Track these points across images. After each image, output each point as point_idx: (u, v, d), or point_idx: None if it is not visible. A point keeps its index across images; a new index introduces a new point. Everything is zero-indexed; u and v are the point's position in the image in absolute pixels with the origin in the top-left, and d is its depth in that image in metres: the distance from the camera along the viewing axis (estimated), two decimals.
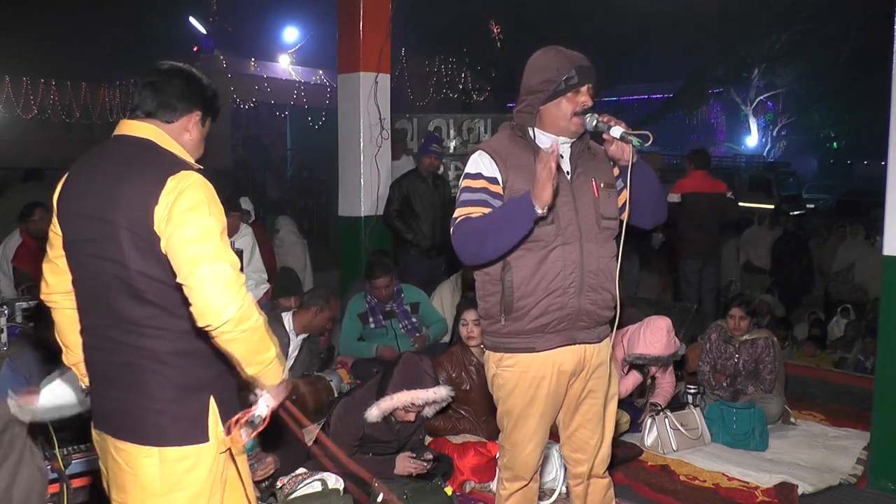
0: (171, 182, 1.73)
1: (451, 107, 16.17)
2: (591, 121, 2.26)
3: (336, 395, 4.20)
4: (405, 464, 3.27)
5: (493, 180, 2.27)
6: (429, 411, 3.38)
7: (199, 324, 1.69)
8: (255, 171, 18.98)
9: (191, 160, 1.90)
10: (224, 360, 1.85)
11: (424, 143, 6.11)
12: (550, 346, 2.31)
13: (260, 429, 1.82)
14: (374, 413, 3.20)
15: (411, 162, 6.56)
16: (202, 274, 1.66)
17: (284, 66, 17.99)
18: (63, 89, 17.17)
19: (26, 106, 16.83)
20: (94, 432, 1.93)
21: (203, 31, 17.22)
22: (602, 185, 2.34)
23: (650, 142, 2.21)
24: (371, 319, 4.82)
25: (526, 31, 13.56)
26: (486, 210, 2.23)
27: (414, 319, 4.87)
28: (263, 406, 1.82)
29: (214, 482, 1.85)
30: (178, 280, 1.69)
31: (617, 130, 2.22)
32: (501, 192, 2.27)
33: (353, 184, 5.97)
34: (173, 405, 1.79)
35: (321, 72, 17.81)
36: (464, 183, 2.31)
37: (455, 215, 2.28)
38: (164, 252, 1.71)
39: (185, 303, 1.71)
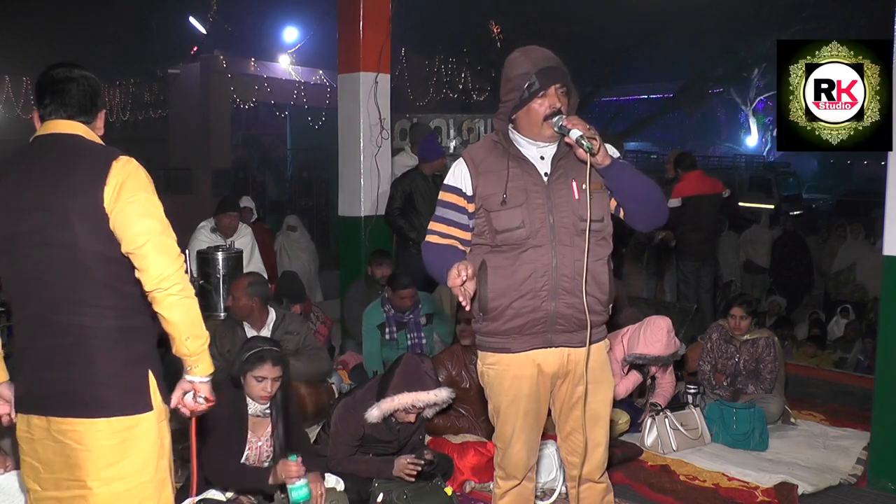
0: (117, 165, 1.93)
1: (451, 107, 16.16)
2: (558, 122, 2.22)
3: (337, 395, 4.20)
4: (403, 466, 3.25)
5: (456, 191, 2.33)
6: (429, 412, 3.39)
7: (149, 286, 1.88)
8: (255, 171, 18.96)
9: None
10: (155, 338, 2.04)
11: (432, 144, 6.06)
12: (526, 347, 2.31)
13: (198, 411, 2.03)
14: (374, 414, 3.20)
15: (410, 157, 6.55)
16: (155, 242, 1.89)
17: (284, 66, 17.97)
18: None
19: (26, 106, 16.78)
20: (27, 419, 2.00)
21: (203, 30, 17.19)
22: (584, 186, 2.26)
23: (596, 148, 2.14)
24: (387, 330, 4.73)
25: (526, 31, 13.55)
26: (446, 228, 2.33)
27: (423, 334, 4.80)
28: (201, 398, 2.01)
29: (161, 447, 2.03)
30: (129, 249, 1.89)
31: (574, 133, 2.17)
32: (464, 204, 2.32)
33: (353, 184, 5.97)
34: (118, 378, 1.96)
35: (321, 72, 17.78)
36: (440, 193, 2.40)
37: (428, 227, 2.39)
38: (112, 228, 1.90)
39: (129, 279, 1.91)
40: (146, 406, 1.98)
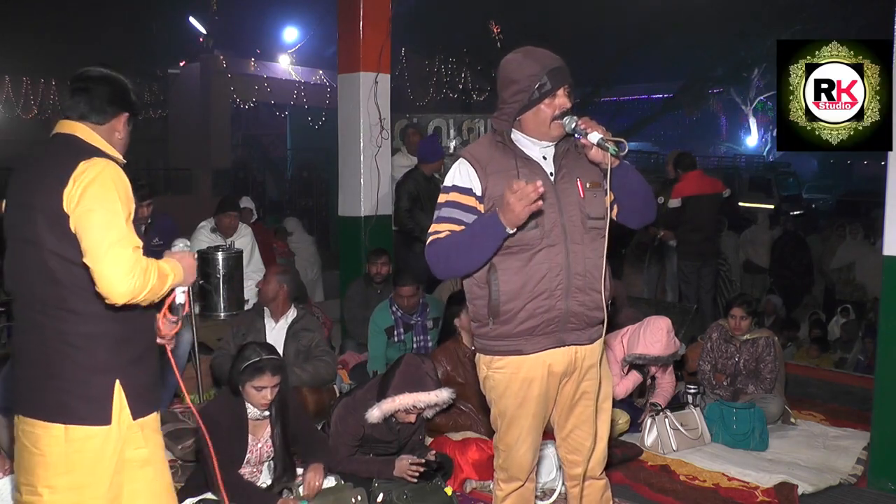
0: (82, 166, 1.86)
1: (451, 107, 16.15)
2: (570, 123, 2.21)
3: (337, 395, 4.21)
4: (406, 467, 3.26)
5: (466, 191, 2.27)
6: (429, 412, 3.39)
7: (107, 301, 1.83)
8: (255, 171, 18.97)
9: (116, 155, 2.02)
10: (137, 348, 1.98)
11: (433, 146, 6.07)
12: (539, 348, 2.30)
13: (184, 312, 2.04)
14: (375, 414, 3.20)
15: (405, 157, 6.57)
16: (104, 258, 1.79)
17: (284, 66, 17.98)
18: (63, 89, 17.18)
19: (26, 106, 16.79)
20: (15, 419, 2.00)
21: (203, 31, 17.20)
22: (588, 185, 2.29)
23: (626, 151, 2.15)
24: (396, 333, 4.72)
25: (526, 31, 13.56)
26: (456, 227, 2.25)
27: (428, 337, 4.80)
28: (179, 293, 2.03)
29: (119, 463, 1.93)
30: (84, 261, 1.82)
31: (594, 136, 2.16)
32: (475, 204, 2.27)
33: (353, 184, 5.97)
34: (80, 386, 1.90)
35: (321, 72, 17.79)
36: (440, 197, 2.34)
37: (430, 230, 2.31)
38: (73, 231, 1.84)
39: (93, 285, 1.83)
40: (104, 419, 1.91)
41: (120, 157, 2.02)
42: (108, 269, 1.78)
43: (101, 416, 1.91)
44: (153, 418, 2.03)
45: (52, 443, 1.89)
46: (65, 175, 1.84)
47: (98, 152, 1.93)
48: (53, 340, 1.90)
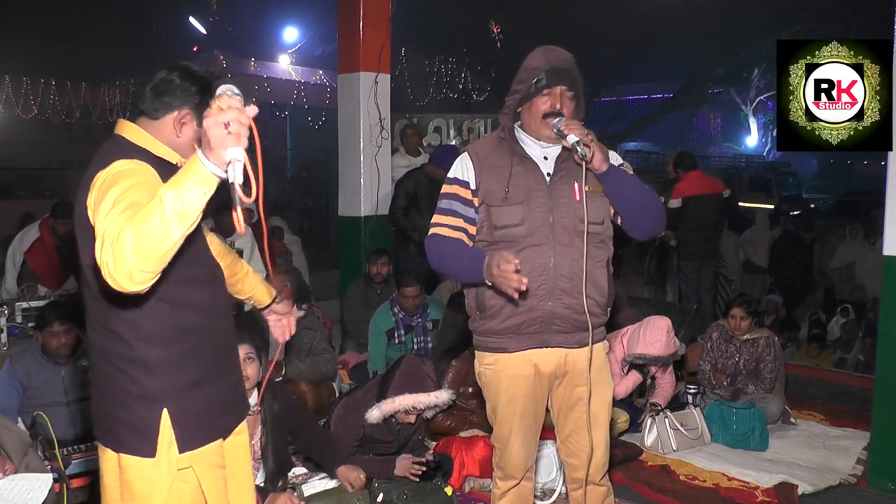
0: (101, 174, 1.65)
1: (451, 107, 16.13)
2: (558, 123, 2.23)
3: (337, 394, 4.21)
4: (408, 467, 3.26)
5: (463, 184, 2.33)
6: (429, 413, 3.39)
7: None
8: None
9: (169, 155, 1.79)
10: (194, 372, 1.79)
11: (444, 156, 6.08)
12: (523, 347, 2.31)
13: (257, 186, 1.60)
14: (374, 414, 3.21)
15: (403, 157, 6.57)
16: (109, 251, 1.46)
17: (284, 66, 17.98)
18: (63, 89, 17.12)
19: (26, 106, 16.76)
20: None
21: (203, 31, 17.20)
22: (586, 189, 2.28)
23: (590, 154, 2.17)
24: (396, 334, 4.72)
25: (526, 31, 13.56)
26: (454, 220, 2.31)
27: (428, 338, 4.80)
28: (236, 170, 1.54)
29: (171, 499, 1.76)
30: None
31: (571, 138, 2.18)
32: (471, 198, 2.32)
33: (353, 184, 5.97)
34: (124, 412, 1.75)
35: (321, 72, 17.79)
36: (443, 187, 2.39)
37: (432, 220, 2.37)
38: None
39: (138, 311, 1.70)
40: (149, 451, 1.74)
41: (176, 157, 1.79)
42: (101, 265, 1.48)
43: (147, 447, 1.74)
44: (211, 451, 1.83)
45: (109, 467, 1.78)
46: (89, 183, 1.66)
47: (137, 153, 1.73)
48: (102, 361, 1.77)
